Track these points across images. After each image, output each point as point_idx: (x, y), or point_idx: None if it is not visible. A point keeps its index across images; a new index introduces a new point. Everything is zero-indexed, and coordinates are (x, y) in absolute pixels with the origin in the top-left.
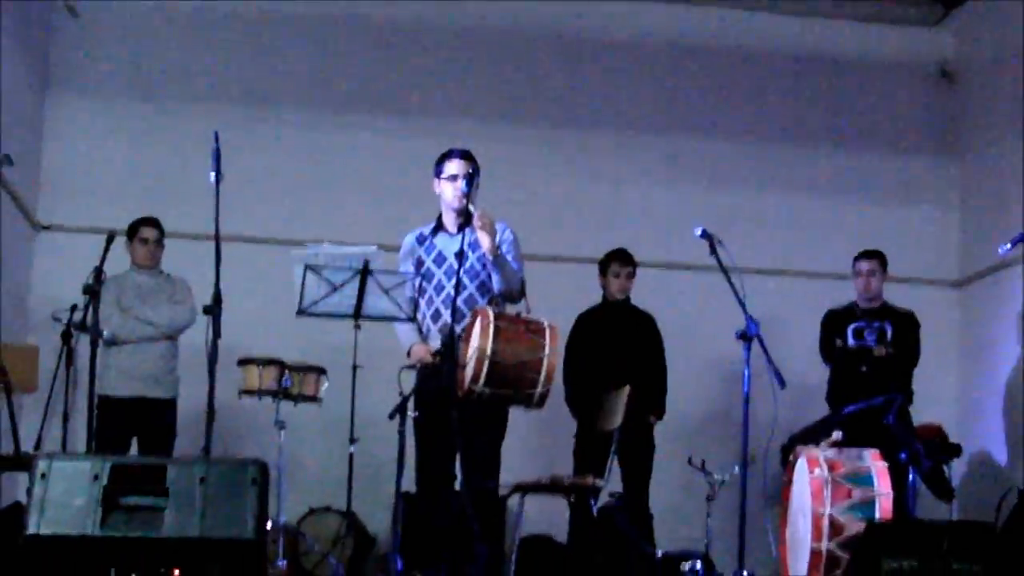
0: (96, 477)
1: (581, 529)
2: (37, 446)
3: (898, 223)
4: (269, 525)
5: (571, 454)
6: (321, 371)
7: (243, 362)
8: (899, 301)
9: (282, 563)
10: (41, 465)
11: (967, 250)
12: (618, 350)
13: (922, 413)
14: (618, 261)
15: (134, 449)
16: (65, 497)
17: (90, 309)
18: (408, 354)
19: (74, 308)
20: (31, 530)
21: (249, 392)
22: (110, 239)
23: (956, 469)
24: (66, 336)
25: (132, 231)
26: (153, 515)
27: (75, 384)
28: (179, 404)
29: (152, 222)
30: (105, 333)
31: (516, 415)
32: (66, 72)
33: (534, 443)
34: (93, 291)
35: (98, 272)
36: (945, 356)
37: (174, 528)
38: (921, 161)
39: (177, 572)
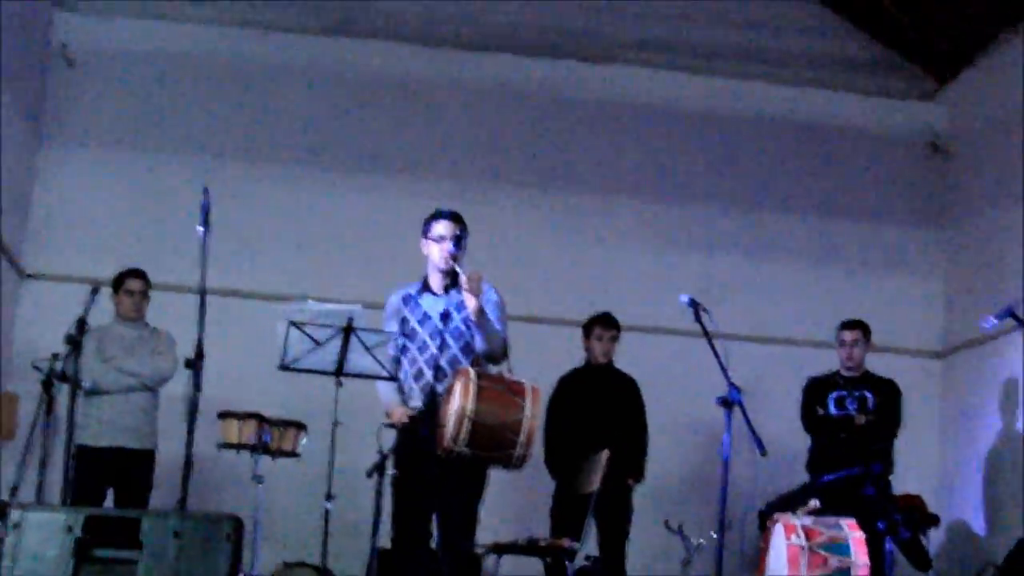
0: (70, 528)
1: None
2: (13, 494)
3: (883, 293)
4: None
5: (548, 515)
6: (300, 426)
7: (223, 415)
8: (882, 370)
9: None
10: (15, 515)
11: (951, 321)
12: (599, 413)
13: (902, 482)
14: (601, 325)
15: (110, 499)
16: (38, 547)
17: (71, 359)
18: (388, 415)
19: (55, 357)
20: None
21: (228, 446)
22: (95, 291)
23: (934, 539)
24: (46, 385)
25: (118, 282)
26: (126, 568)
27: (54, 433)
28: (158, 456)
29: (138, 274)
30: (86, 383)
31: (494, 475)
32: (60, 121)
33: (512, 503)
34: (75, 341)
35: (81, 322)
36: (926, 426)
37: None
38: (908, 232)
39: None
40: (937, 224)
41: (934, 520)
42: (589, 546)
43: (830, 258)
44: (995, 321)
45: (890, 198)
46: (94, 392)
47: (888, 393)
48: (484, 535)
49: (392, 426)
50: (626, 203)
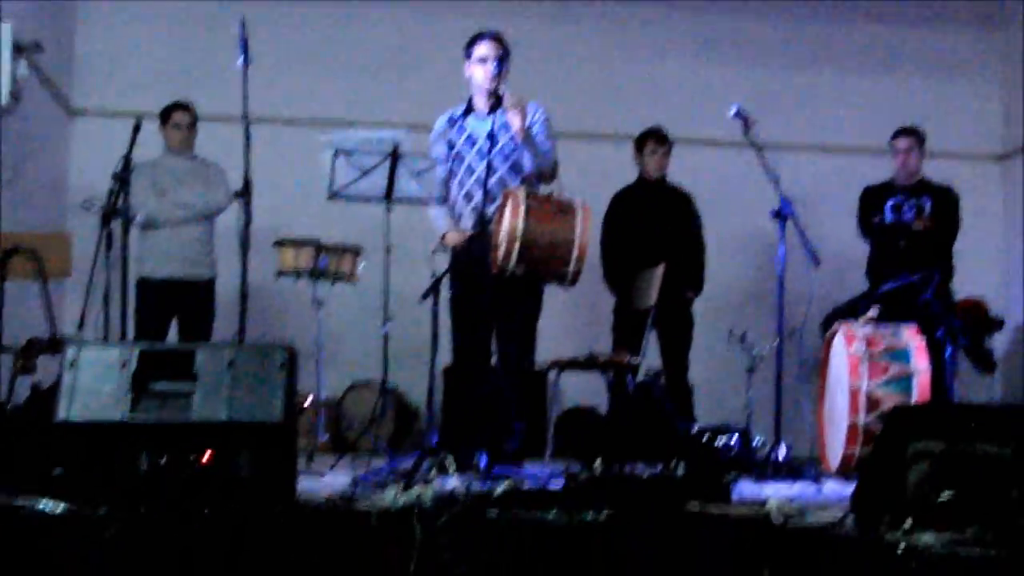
0: (125, 364)
1: (619, 404)
2: (80, 328)
3: (939, 98)
4: (310, 400)
5: (610, 330)
6: (356, 251)
7: (279, 243)
8: (940, 176)
9: (324, 437)
10: (71, 352)
11: (1009, 124)
12: (655, 228)
13: (964, 288)
14: (654, 139)
15: (174, 330)
16: (95, 383)
17: (120, 196)
18: (442, 240)
19: (110, 192)
20: (61, 416)
21: (285, 273)
22: (137, 126)
23: (999, 342)
24: (105, 219)
25: (165, 116)
26: (182, 400)
27: (114, 268)
28: (217, 284)
29: (185, 107)
30: (139, 217)
31: (556, 293)
32: None
33: (574, 319)
34: (122, 178)
35: (126, 160)
36: (987, 230)
37: (202, 412)
38: (963, 35)
39: (208, 454)
40: (992, 25)
41: (997, 323)
42: (650, 359)
43: (883, 64)
44: None
45: (942, 1)
46: (149, 226)
47: (945, 198)
48: (548, 352)
49: (445, 248)
50: (674, 14)
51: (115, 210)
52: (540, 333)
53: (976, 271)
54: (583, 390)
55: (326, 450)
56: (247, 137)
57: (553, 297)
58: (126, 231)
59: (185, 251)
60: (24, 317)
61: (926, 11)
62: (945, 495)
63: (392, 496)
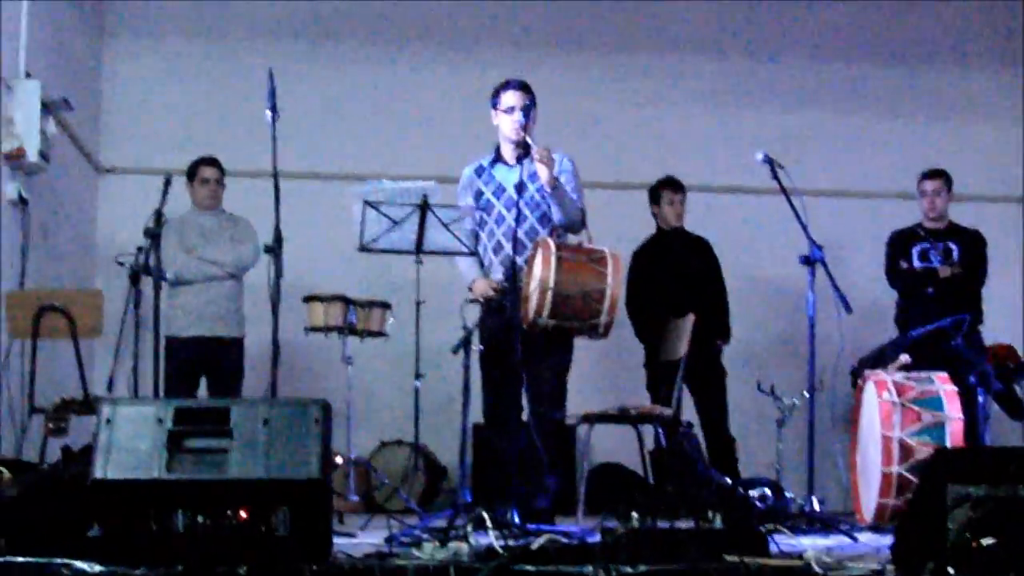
0: (160, 421)
1: (652, 458)
2: (109, 388)
3: (962, 140)
4: (340, 460)
5: (644, 385)
6: (386, 306)
7: (308, 299)
8: (964, 219)
9: (354, 498)
10: (106, 410)
11: None
12: (680, 278)
13: (993, 332)
14: (670, 188)
15: (203, 389)
16: (130, 441)
17: (151, 252)
18: (470, 289)
19: (140, 250)
20: (98, 475)
21: (315, 329)
22: (167, 181)
23: None
24: (134, 278)
25: (192, 171)
26: (218, 457)
27: (143, 326)
28: (246, 343)
29: (212, 162)
30: (168, 275)
31: (586, 345)
32: (122, 13)
33: (604, 372)
34: (153, 234)
35: (157, 215)
36: (1014, 274)
37: (239, 470)
38: (985, 76)
39: (244, 514)
40: (1014, 66)
41: None
42: (684, 412)
43: (905, 107)
44: None
45: (965, 41)
46: (178, 283)
47: (973, 243)
48: (580, 406)
49: (475, 301)
50: (695, 61)
51: (146, 267)
52: (570, 386)
53: (1004, 315)
54: (613, 443)
55: (356, 510)
56: (276, 191)
57: (583, 350)
58: (157, 289)
59: (213, 309)
60: (53, 377)
61: (946, 53)
62: (987, 540)
63: (429, 552)
